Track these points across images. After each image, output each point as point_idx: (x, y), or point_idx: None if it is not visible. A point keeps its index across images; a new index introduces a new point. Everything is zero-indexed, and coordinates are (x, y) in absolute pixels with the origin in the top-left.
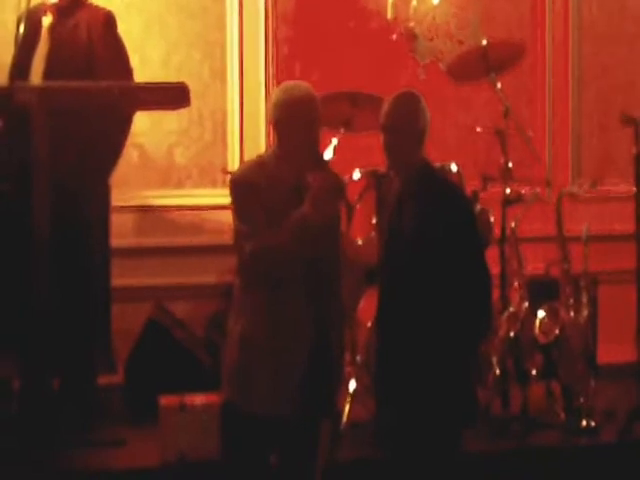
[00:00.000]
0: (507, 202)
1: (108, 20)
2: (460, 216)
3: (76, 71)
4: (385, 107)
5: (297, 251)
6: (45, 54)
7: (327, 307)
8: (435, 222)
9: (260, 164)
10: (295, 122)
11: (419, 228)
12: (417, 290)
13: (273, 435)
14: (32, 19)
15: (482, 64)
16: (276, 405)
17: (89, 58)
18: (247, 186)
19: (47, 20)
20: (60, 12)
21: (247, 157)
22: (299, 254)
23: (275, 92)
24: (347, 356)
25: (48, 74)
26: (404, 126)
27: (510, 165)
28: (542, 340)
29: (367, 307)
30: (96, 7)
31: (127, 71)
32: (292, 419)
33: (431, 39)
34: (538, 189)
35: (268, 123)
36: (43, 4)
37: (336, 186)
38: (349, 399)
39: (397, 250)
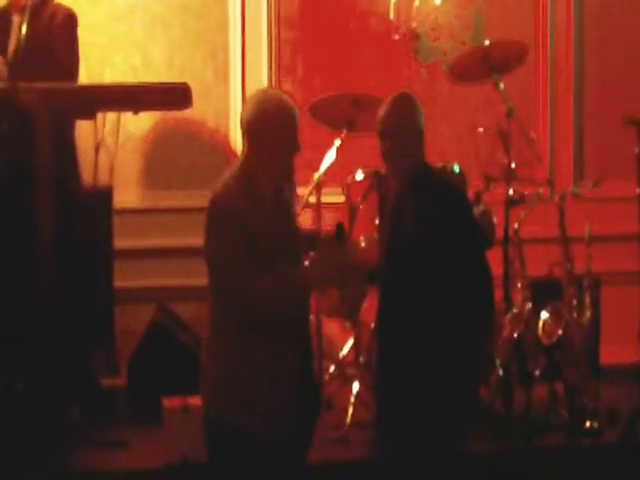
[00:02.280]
0: (510, 203)
1: (69, 18)
2: (459, 216)
3: (38, 66)
4: (380, 112)
5: (288, 306)
6: (13, 50)
7: (309, 339)
8: (434, 222)
9: (239, 183)
10: (288, 129)
11: (419, 228)
12: (417, 291)
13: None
14: (4, 18)
15: (484, 65)
16: (273, 426)
17: (49, 53)
18: (235, 217)
19: (17, 18)
20: (29, 11)
21: None
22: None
23: (248, 102)
24: (350, 357)
25: (15, 69)
26: (400, 131)
27: (513, 166)
28: (545, 341)
29: (370, 308)
30: (59, 5)
31: (74, 71)
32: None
33: (433, 40)
34: (541, 190)
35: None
36: (14, 3)
37: (345, 265)
38: (352, 400)
39: (397, 251)
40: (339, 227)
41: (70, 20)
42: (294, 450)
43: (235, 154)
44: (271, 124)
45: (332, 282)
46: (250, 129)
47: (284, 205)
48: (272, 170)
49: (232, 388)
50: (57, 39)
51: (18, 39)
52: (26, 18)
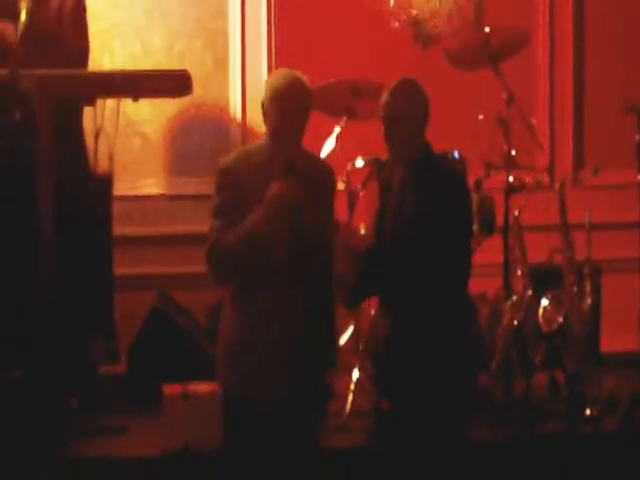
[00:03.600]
0: (510, 190)
1: (78, 4)
2: (459, 202)
3: (46, 53)
4: (384, 97)
5: (247, 254)
6: (18, 37)
7: (316, 297)
8: (436, 207)
9: (247, 153)
10: (276, 108)
11: (420, 213)
12: (419, 274)
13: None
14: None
15: (485, 51)
16: (267, 396)
17: (58, 40)
18: (230, 178)
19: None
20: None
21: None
22: (250, 257)
23: (267, 78)
24: (350, 344)
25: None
26: (404, 116)
27: (513, 153)
28: (546, 329)
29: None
30: None
31: (84, 57)
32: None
33: (433, 26)
34: (541, 177)
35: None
36: None
37: (294, 199)
38: (352, 388)
39: (398, 235)
40: (289, 164)
41: (79, 5)
42: (293, 427)
43: (235, 141)
44: (271, 98)
45: (281, 219)
46: (262, 102)
47: (294, 177)
48: (277, 141)
49: (230, 361)
50: (66, 25)
51: (22, 25)
52: (27, 4)
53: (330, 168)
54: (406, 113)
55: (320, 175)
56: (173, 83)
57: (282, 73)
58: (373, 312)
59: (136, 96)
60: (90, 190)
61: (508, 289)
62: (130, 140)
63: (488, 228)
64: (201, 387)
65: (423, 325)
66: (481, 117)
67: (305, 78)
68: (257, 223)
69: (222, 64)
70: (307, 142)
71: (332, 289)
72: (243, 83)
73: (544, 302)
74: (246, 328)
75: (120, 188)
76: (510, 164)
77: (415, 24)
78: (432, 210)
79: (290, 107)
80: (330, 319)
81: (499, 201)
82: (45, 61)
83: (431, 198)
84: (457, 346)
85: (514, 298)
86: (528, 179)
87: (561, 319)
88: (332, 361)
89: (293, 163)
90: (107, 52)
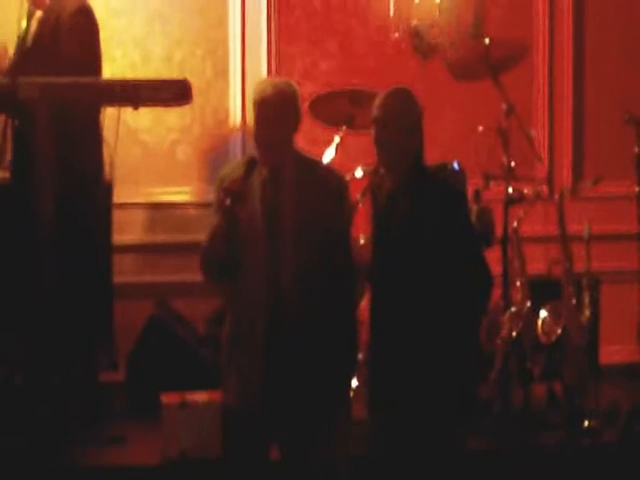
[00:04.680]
0: (509, 201)
1: (78, 12)
2: (452, 213)
3: (44, 63)
4: (376, 101)
5: (210, 250)
6: (17, 45)
7: (292, 293)
8: (427, 220)
9: (245, 161)
10: (256, 118)
11: (411, 226)
12: (413, 286)
13: (267, 430)
14: (30, 16)
15: (484, 63)
16: (243, 397)
17: (55, 49)
18: (226, 196)
19: (37, 14)
20: (46, 7)
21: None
22: (213, 251)
23: None
24: None
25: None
26: (394, 120)
27: (512, 164)
28: (544, 340)
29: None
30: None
31: (83, 66)
32: (280, 411)
33: (433, 37)
34: (540, 188)
35: None
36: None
37: (238, 193)
38: (351, 396)
39: (389, 249)
40: (250, 162)
41: (78, 14)
42: (268, 427)
43: (235, 150)
44: (252, 105)
45: (227, 215)
46: None
47: (279, 186)
48: (258, 149)
49: (225, 364)
50: (63, 34)
51: (21, 34)
52: (27, 12)
53: (334, 173)
54: (397, 117)
55: (322, 181)
56: (173, 92)
57: (262, 82)
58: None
59: (136, 105)
60: (97, 197)
61: (507, 300)
62: (130, 148)
63: (487, 239)
64: (199, 396)
65: (425, 335)
66: (480, 128)
67: (290, 86)
68: (214, 220)
69: (222, 73)
70: (307, 151)
71: (351, 289)
72: (243, 92)
73: (543, 313)
74: (232, 325)
75: (120, 196)
76: (509, 175)
77: (415, 35)
78: (423, 216)
79: (266, 115)
80: (347, 319)
81: (498, 212)
82: (42, 69)
83: (422, 205)
84: (459, 355)
85: (513, 309)
86: (527, 190)
87: (560, 330)
88: (349, 366)
89: (254, 162)
90: (107, 60)
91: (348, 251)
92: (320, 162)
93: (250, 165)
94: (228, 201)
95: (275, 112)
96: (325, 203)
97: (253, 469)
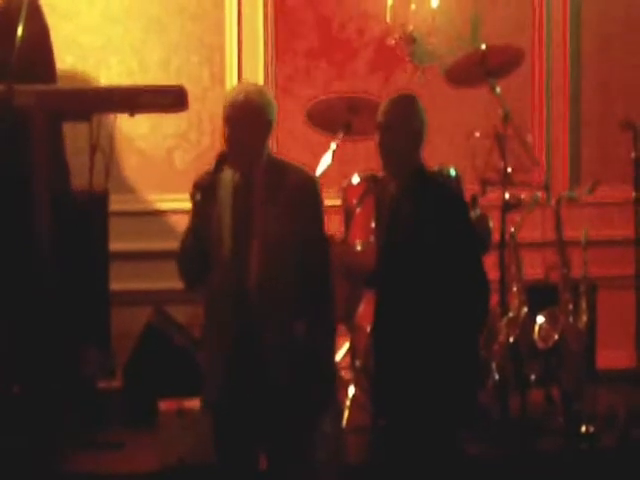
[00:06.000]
0: (506, 207)
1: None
2: (455, 219)
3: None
4: (382, 107)
5: (184, 252)
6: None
7: (259, 296)
8: (430, 225)
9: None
10: (225, 122)
11: (415, 231)
12: (415, 293)
13: (252, 435)
14: None
15: (481, 69)
16: (214, 398)
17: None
18: (196, 191)
19: None
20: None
21: None
22: (187, 253)
23: None
24: (346, 361)
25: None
26: (399, 125)
27: (509, 170)
28: (541, 345)
29: (366, 312)
30: None
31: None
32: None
33: (430, 43)
34: (537, 194)
35: None
36: None
37: (208, 187)
38: (348, 404)
39: (393, 254)
40: (220, 159)
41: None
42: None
43: None
44: (223, 112)
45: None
46: None
47: (249, 191)
48: (228, 154)
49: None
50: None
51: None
52: (23, 20)
53: (309, 177)
54: (402, 122)
55: (293, 184)
56: (169, 98)
57: (233, 87)
58: (369, 328)
59: (132, 111)
60: (86, 206)
61: (504, 306)
62: (127, 156)
63: (483, 246)
64: (196, 403)
65: (423, 340)
66: (477, 134)
67: (260, 90)
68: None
69: (219, 79)
70: (304, 158)
71: (328, 290)
72: None
73: (540, 319)
74: (205, 328)
75: (117, 203)
76: (506, 181)
77: (411, 41)
78: (427, 221)
79: (232, 121)
80: (324, 321)
81: (495, 218)
82: (29, 77)
83: (427, 220)
84: (458, 361)
85: (510, 315)
86: (524, 196)
87: (557, 336)
88: (326, 369)
89: (224, 156)
90: (104, 67)
91: (323, 252)
92: (292, 165)
93: (220, 159)
94: (198, 195)
95: (246, 117)
96: (296, 206)
97: (237, 470)
